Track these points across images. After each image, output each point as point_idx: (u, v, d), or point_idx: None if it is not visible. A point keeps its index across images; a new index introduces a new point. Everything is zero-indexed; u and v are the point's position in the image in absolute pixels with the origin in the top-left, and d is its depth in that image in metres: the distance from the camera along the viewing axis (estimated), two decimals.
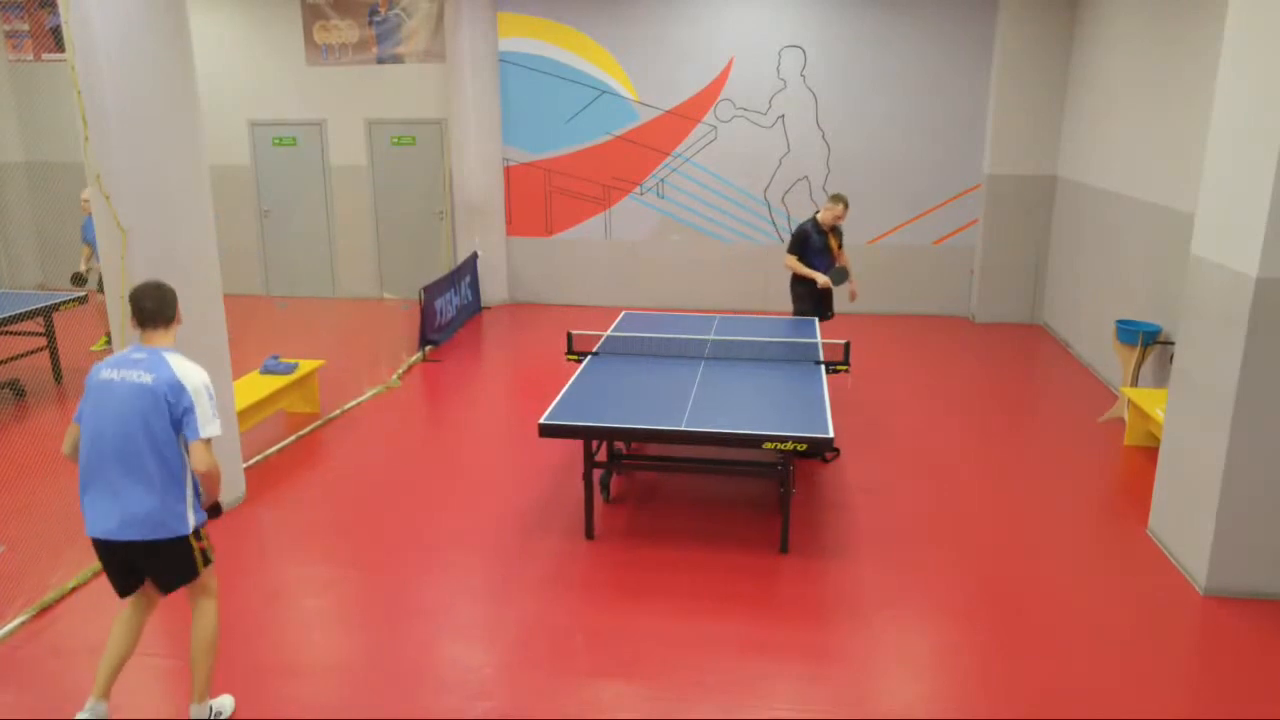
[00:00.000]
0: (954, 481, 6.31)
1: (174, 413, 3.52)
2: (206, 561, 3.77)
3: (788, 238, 11.05)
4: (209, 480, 3.64)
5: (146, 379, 3.51)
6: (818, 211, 7.59)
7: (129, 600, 3.80)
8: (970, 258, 10.86)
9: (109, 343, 8.87)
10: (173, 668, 4.23)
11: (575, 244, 11.48)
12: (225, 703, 3.97)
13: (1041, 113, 10.11)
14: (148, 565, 3.67)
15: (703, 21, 10.61)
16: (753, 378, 5.95)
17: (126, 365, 3.57)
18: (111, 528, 3.53)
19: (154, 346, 3.64)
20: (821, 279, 7.46)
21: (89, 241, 8.80)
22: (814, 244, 7.47)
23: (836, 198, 7.44)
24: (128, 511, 3.51)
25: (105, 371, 3.58)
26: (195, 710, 3.83)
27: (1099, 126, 8.95)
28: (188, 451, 3.60)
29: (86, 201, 8.54)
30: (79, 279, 8.85)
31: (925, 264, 10.95)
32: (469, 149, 10.93)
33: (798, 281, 7.64)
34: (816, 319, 7.50)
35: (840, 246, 7.70)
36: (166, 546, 3.60)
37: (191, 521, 3.65)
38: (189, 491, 3.65)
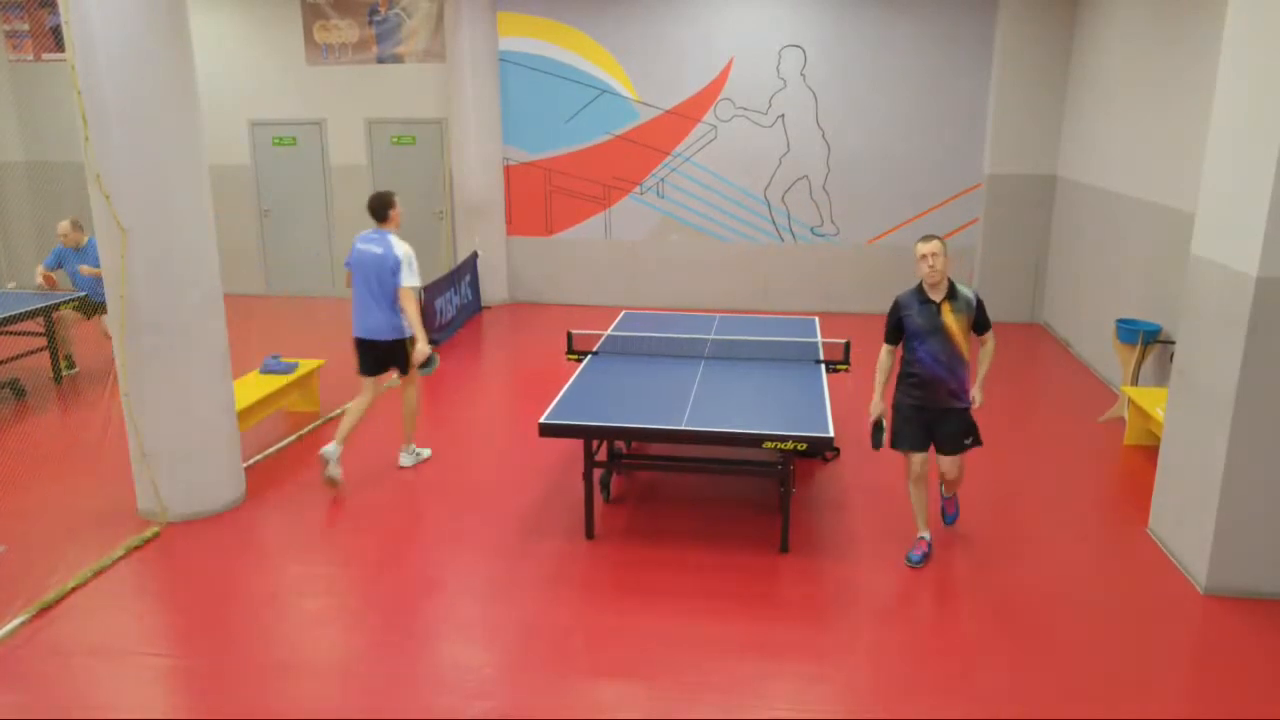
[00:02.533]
0: None
1: (394, 269, 5.99)
2: (424, 364, 6.22)
3: (788, 236, 11.13)
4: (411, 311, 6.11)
5: (378, 251, 6.03)
6: None
7: (368, 381, 6.32)
8: (970, 257, 10.86)
9: (71, 367, 8.75)
10: (173, 667, 4.24)
11: (575, 244, 11.48)
12: (425, 451, 6.67)
13: (1041, 112, 10.10)
14: (386, 357, 6.21)
15: (703, 21, 10.61)
16: (753, 377, 5.95)
17: (368, 242, 6.10)
18: (362, 331, 6.17)
19: (383, 230, 6.13)
20: (876, 407, 5.11)
21: (59, 267, 8.58)
22: (914, 321, 4.93)
23: (924, 238, 4.89)
24: (369, 323, 6.13)
25: (360, 245, 6.13)
26: (404, 449, 6.56)
27: (1099, 126, 8.94)
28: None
29: (64, 237, 8.47)
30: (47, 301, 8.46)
31: None
32: (469, 149, 10.93)
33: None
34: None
35: (978, 326, 4.98)
36: (393, 344, 6.17)
37: (406, 333, 6.14)
38: (402, 319, 6.10)
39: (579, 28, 10.82)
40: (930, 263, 4.80)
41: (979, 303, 5.00)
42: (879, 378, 5.13)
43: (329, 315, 11.12)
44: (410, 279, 6.02)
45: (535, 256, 11.61)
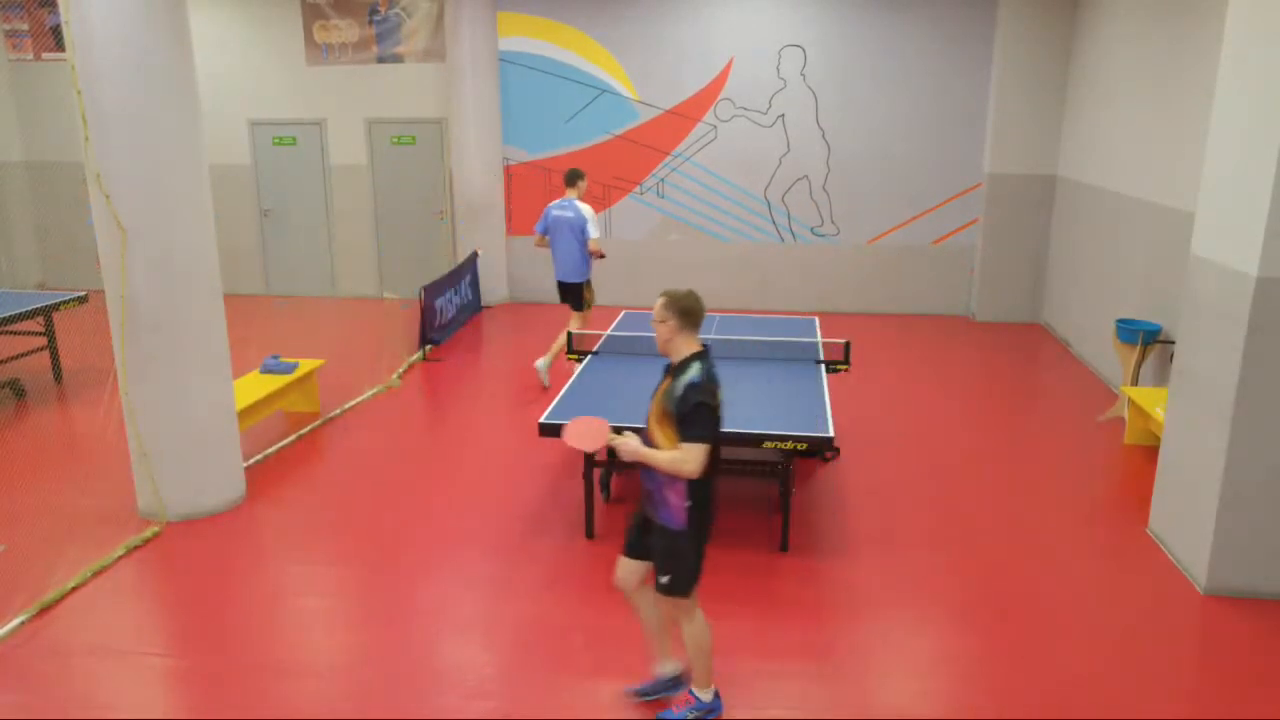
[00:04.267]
0: (954, 481, 6.30)
1: (582, 227, 7.87)
2: (589, 305, 8.18)
3: (788, 236, 11.13)
4: (597, 254, 7.97)
5: (570, 215, 7.91)
6: None
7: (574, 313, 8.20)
8: (970, 257, 10.86)
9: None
10: (173, 667, 4.24)
11: None
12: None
13: (1041, 112, 10.10)
14: (569, 293, 8.14)
15: (702, 21, 10.60)
16: (753, 377, 5.95)
17: (562, 209, 7.94)
18: (561, 276, 8.10)
19: (570, 198, 7.96)
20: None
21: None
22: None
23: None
24: (566, 269, 8.06)
25: (555, 212, 7.97)
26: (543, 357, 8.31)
27: (1099, 126, 8.94)
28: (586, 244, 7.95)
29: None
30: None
31: (925, 263, 10.94)
32: (469, 149, 10.92)
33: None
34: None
35: (671, 416, 3.55)
36: (577, 285, 8.07)
37: (585, 276, 8.08)
38: (587, 266, 8.03)
39: (579, 27, 10.82)
40: (658, 331, 3.67)
41: (684, 397, 3.48)
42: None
43: (329, 315, 11.13)
44: (594, 231, 7.89)
45: (535, 256, 11.59)
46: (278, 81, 11.49)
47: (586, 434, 3.80)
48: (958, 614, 4.70)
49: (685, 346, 3.65)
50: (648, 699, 4.01)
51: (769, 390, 5.72)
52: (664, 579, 3.71)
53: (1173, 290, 7.01)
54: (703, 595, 4.83)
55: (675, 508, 3.63)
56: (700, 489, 3.62)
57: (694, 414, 3.50)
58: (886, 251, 10.96)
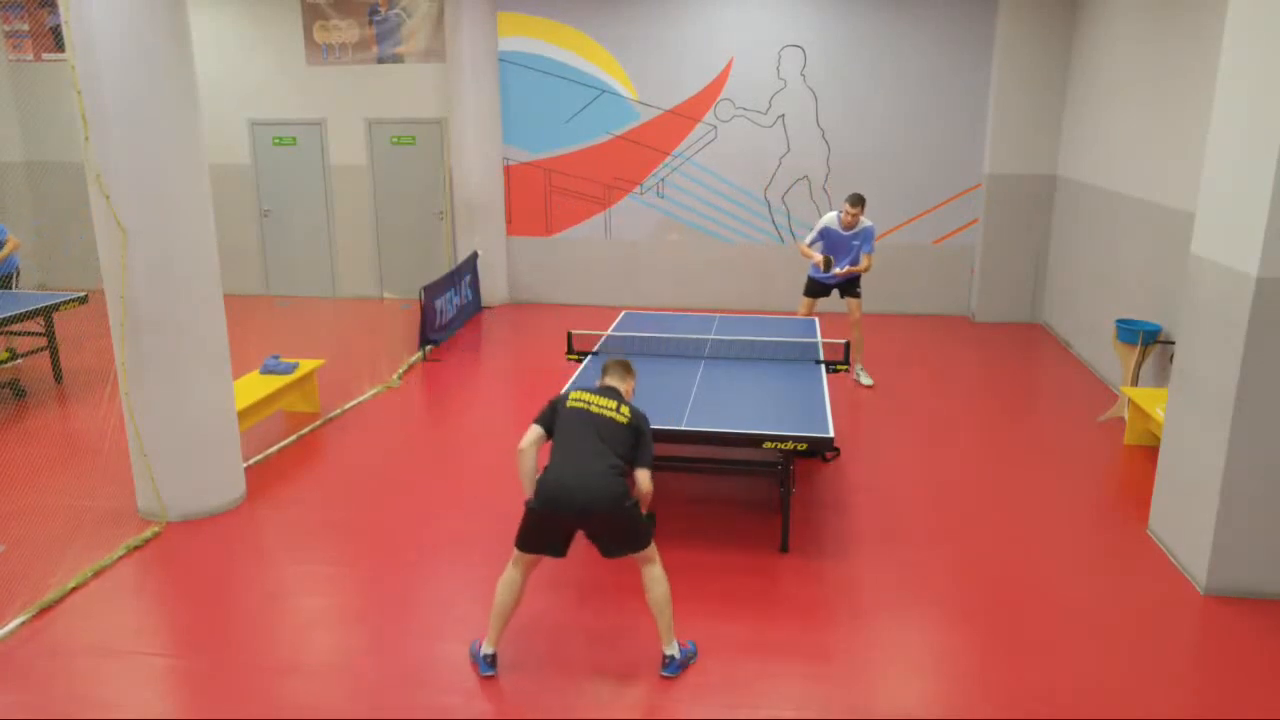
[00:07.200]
0: (954, 481, 6.30)
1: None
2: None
3: (788, 236, 11.14)
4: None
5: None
6: None
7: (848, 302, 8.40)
8: (970, 257, 10.86)
9: (11, 357, 8.72)
10: (173, 667, 4.24)
11: (575, 244, 11.47)
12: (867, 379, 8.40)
13: (1041, 112, 10.10)
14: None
15: (703, 21, 10.60)
16: (753, 377, 5.95)
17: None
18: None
19: (858, 220, 8.18)
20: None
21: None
22: None
23: None
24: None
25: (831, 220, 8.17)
26: (858, 369, 8.48)
27: (1099, 125, 8.95)
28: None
29: None
30: None
31: (925, 263, 10.94)
32: (469, 149, 10.92)
33: None
34: None
35: None
36: (855, 278, 8.24)
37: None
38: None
39: (579, 27, 10.82)
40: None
41: None
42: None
43: (329, 316, 11.13)
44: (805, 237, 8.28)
45: (535, 256, 11.61)
46: (278, 81, 11.49)
47: None
48: (957, 614, 4.70)
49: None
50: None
51: (769, 390, 5.72)
52: None
53: (1173, 290, 7.01)
54: (703, 596, 4.86)
55: None
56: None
57: None
58: (886, 251, 10.93)
